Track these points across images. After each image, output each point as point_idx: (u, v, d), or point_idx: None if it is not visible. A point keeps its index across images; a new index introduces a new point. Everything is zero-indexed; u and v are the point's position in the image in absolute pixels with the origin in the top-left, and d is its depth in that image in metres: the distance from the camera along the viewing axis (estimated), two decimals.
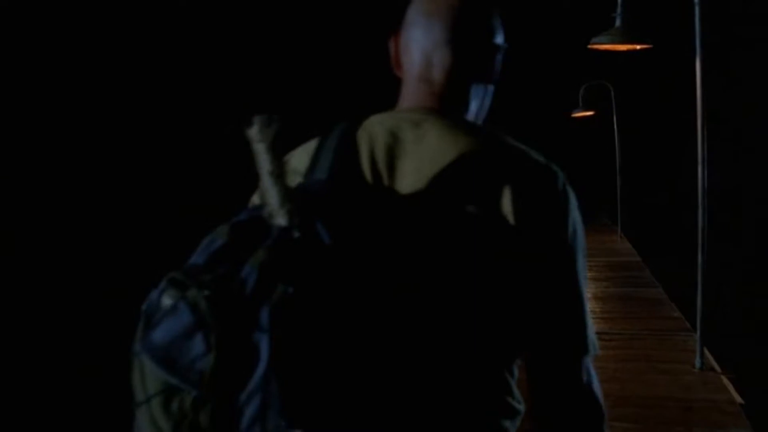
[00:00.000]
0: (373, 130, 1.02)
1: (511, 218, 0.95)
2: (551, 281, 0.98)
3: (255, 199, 1.11)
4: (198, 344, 0.79)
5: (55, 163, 6.43)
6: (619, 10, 4.07)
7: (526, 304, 0.97)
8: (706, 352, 4.22)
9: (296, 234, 0.82)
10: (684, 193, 4.89)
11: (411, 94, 1.09)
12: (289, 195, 0.85)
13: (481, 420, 0.98)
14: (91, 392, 4.79)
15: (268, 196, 0.85)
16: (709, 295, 4.00)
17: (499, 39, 1.09)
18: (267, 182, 0.86)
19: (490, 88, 1.12)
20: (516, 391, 1.02)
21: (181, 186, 6.73)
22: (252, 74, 6.69)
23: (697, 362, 4.09)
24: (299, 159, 1.04)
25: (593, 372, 1.00)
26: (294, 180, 0.97)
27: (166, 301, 0.85)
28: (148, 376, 0.84)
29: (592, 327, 1.01)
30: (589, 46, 4.39)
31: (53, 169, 6.43)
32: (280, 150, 0.88)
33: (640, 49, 4.45)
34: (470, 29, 1.06)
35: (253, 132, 0.90)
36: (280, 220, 0.84)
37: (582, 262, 1.01)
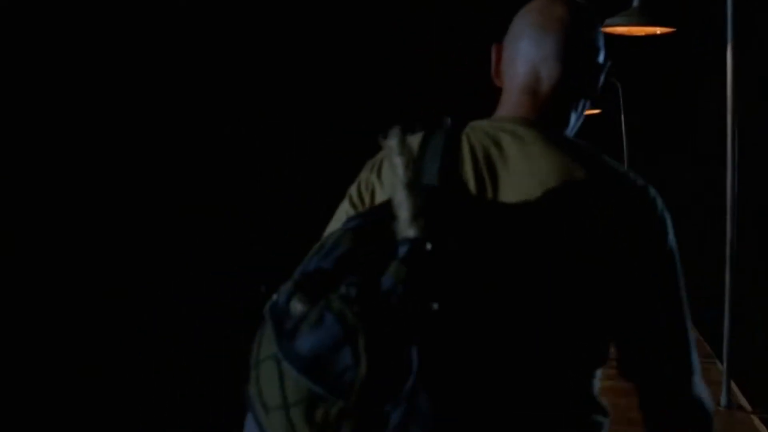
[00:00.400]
0: (477, 137, 1.05)
1: (614, 239, 1.00)
2: (654, 300, 1.03)
3: (346, 209, 1.11)
4: (346, 355, 0.82)
5: (55, 163, 6.43)
6: None
7: (627, 322, 1.03)
8: (734, 386, 3.56)
9: (428, 246, 0.86)
10: (706, 202, 4.35)
11: (513, 104, 1.11)
12: (421, 208, 0.88)
13: (573, 426, 1.03)
14: (91, 392, 4.79)
15: (401, 207, 0.89)
16: (738, 318, 3.38)
17: (602, 57, 1.12)
18: (402, 195, 0.89)
19: (587, 103, 1.15)
20: (603, 402, 1.07)
21: (181, 186, 6.74)
22: (252, 74, 6.69)
23: (723, 399, 3.39)
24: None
25: (702, 385, 1.05)
26: (390, 175, 0.98)
27: (298, 306, 0.86)
28: (289, 384, 0.85)
29: (694, 347, 1.07)
30: (603, 29, 4.13)
31: (53, 169, 6.42)
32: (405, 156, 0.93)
33: (661, 35, 3.90)
34: (579, 45, 1.10)
35: (392, 144, 0.93)
36: (412, 232, 0.87)
37: (682, 282, 1.05)
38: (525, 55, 1.10)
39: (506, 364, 0.95)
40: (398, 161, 0.91)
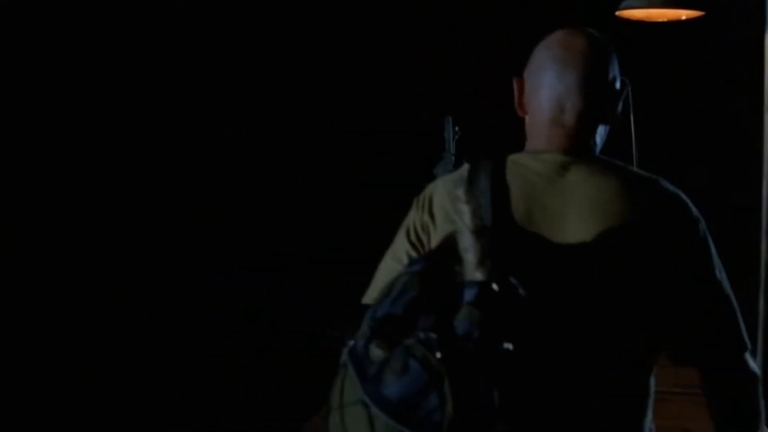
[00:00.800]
0: (521, 172, 1.13)
1: (660, 247, 1.10)
2: (708, 295, 1.16)
3: (407, 249, 1.16)
4: (433, 399, 0.87)
5: (55, 163, 6.42)
6: None
7: (684, 317, 1.15)
8: None
9: (495, 287, 0.91)
10: (732, 207, 4.04)
11: (544, 136, 1.20)
12: (487, 251, 0.94)
13: (631, 421, 1.13)
14: (91, 392, 4.79)
15: (467, 252, 0.95)
16: None
17: (619, 85, 1.22)
18: (468, 240, 0.96)
19: (608, 129, 1.26)
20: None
21: (181, 186, 6.73)
22: (252, 74, 6.69)
23: None
24: (443, 197, 1.14)
25: (752, 362, 1.17)
26: (441, 216, 1.10)
27: (377, 352, 0.93)
28: (379, 427, 0.90)
29: (743, 326, 1.20)
30: (618, 13, 3.29)
31: (52, 168, 6.42)
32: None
33: (686, 20, 3.22)
34: (599, 76, 1.18)
35: (460, 193, 1.00)
36: (479, 275, 0.93)
37: (725, 275, 1.18)
38: (549, 88, 1.18)
39: (574, 392, 1.02)
40: (465, 209, 0.98)
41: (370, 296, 1.18)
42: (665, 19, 3.31)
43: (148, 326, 5.65)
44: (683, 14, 3.14)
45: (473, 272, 0.95)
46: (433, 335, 0.90)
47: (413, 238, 1.19)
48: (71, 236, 6.57)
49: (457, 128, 4.89)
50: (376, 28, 7.25)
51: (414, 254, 1.15)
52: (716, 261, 1.19)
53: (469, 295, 0.92)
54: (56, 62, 6.57)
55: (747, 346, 1.18)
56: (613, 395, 1.07)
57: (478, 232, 0.96)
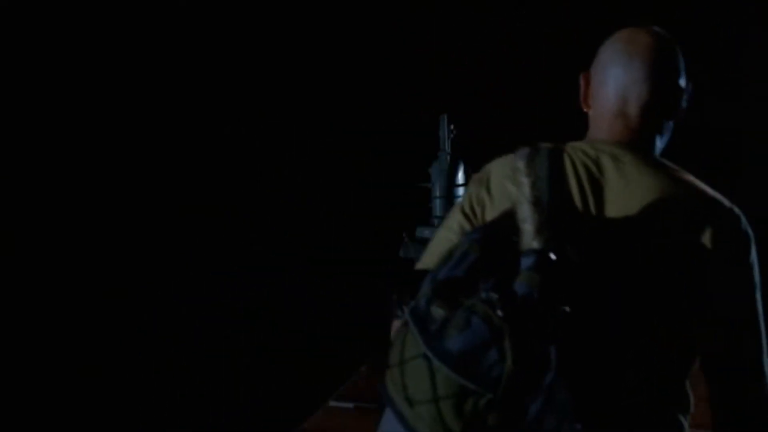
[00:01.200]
0: (578, 157, 1.17)
1: (703, 252, 1.12)
2: (736, 308, 1.15)
3: (460, 220, 1.23)
4: (493, 354, 0.93)
5: (54, 163, 6.42)
6: None
7: (717, 319, 1.16)
8: None
9: (552, 255, 0.99)
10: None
11: (606, 127, 1.22)
12: (544, 223, 1.02)
13: (666, 412, 1.17)
14: (91, 392, 4.79)
15: (525, 222, 1.03)
16: None
17: (684, 81, 1.22)
18: (527, 211, 1.03)
19: (672, 126, 1.25)
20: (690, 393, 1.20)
21: (181, 186, 6.73)
22: (252, 74, 6.69)
23: None
24: (501, 174, 1.19)
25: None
26: (498, 192, 1.17)
27: (439, 311, 0.98)
28: (440, 380, 0.95)
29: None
30: None
31: (52, 168, 6.42)
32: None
33: None
34: (663, 69, 1.18)
35: (521, 165, 1.05)
36: (536, 243, 1.01)
37: (759, 293, 1.18)
38: (615, 80, 1.19)
39: (618, 354, 1.09)
40: (525, 181, 1.04)
41: (425, 263, 1.20)
42: None
43: (148, 326, 5.65)
44: None
45: (531, 241, 1.03)
46: (495, 295, 0.96)
47: (467, 210, 1.23)
48: (71, 236, 6.58)
49: (452, 126, 4.83)
50: (377, 28, 7.26)
51: (467, 226, 1.20)
52: (755, 281, 1.19)
53: (527, 261, 1.00)
54: (56, 62, 6.57)
55: (764, 373, 1.18)
56: (647, 377, 1.14)
57: (536, 203, 1.03)
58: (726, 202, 1.18)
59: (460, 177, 5.25)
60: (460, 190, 5.29)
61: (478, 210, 1.22)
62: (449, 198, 5.25)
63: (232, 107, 6.83)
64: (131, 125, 6.65)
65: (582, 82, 1.30)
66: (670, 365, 1.17)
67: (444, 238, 1.21)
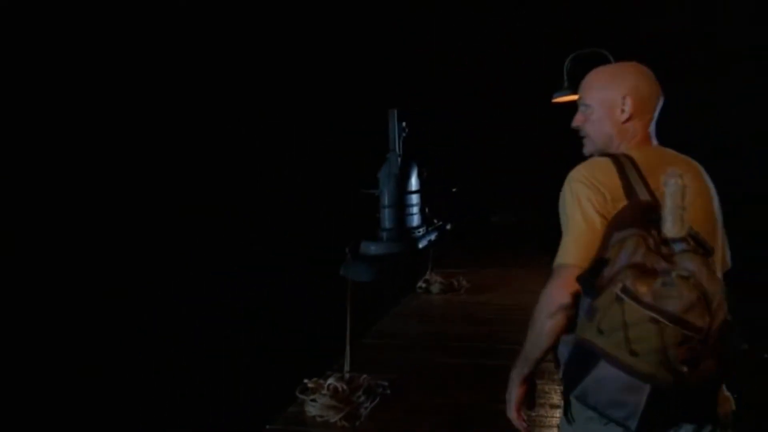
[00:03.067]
0: (646, 161, 1.64)
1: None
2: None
3: (599, 221, 1.59)
4: (701, 310, 1.41)
5: (55, 163, 6.42)
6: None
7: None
8: None
9: (688, 244, 1.44)
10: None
11: (635, 139, 1.73)
12: (683, 219, 1.46)
13: None
14: (90, 392, 4.79)
15: (669, 220, 1.46)
16: None
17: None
18: (673, 212, 1.46)
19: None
20: None
21: (181, 186, 6.73)
22: (252, 74, 6.68)
23: None
24: (607, 179, 1.62)
25: None
26: (606, 192, 1.60)
27: (642, 287, 1.42)
28: (668, 333, 1.39)
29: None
30: (553, 101, 4.73)
31: (53, 168, 6.42)
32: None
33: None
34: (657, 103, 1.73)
35: (672, 183, 1.46)
36: (677, 234, 1.45)
37: None
38: (647, 101, 1.71)
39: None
40: (676, 192, 1.47)
41: (579, 258, 1.57)
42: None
43: (148, 326, 5.66)
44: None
45: (674, 233, 1.45)
46: (684, 271, 1.40)
47: (599, 209, 1.60)
48: (71, 237, 6.57)
49: (404, 124, 4.26)
50: (377, 28, 7.24)
51: (603, 221, 1.57)
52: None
53: (680, 245, 1.44)
54: (56, 62, 6.57)
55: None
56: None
57: (680, 207, 1.46)
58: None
59: (414, 182, 4.46)
60: (414, 198, 4.50)
61: (606, 208, 1.59)
62: (400, 207, 4.38)
63: (232, 107, 6.83)
64: (131, 126, 6.65)
65: (621, 102, 1.74)
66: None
67: (588, 234, 1.58)
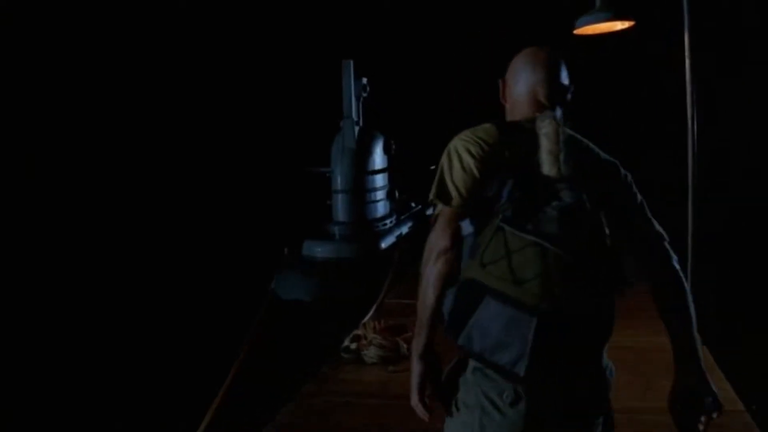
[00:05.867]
0: (523, 128, 1.67)
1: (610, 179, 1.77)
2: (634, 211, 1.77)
3: (477, 168, 1.64)
4: (576, 231, 1.52)
5: (55, 163, 6.41)
6: None
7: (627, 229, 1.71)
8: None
9: (566, 183, 1.54)
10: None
11: (524, 110, 1.78)
12: (559, 159, 1.55)
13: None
14: (90, 392, 4.79)
15: (546, 161, 1.56)
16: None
17: (568, 81, 1.81)
18: (550, 153, 1.56)
19: (562, 110, 1.80)
20: None
21: (183, 187, 6.72)
22: (250, 74, 6.68)
23: None
24: (487, 135, 1.66)
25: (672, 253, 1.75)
26: (484, 144, 1.63)
27: (522, 216, 1.50)
28: (549, 257, 1.44)
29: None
30: (575, 33, 4.09)
31: (50, 168, 6.41)
32: None
33: (621, 30, 4.07)
34: (555, 73, 1.79)
35: (547, 124, 1.58)
36: (554, 174, 1.55)
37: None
38: (525, 80, 1.79)
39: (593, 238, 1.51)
40: (549, 130, 1.56)
41: (456, 199, 1.57)
42: (604, 31, 4.01)
43: (148, 326, 5.65)
44: (618, 25, 3.93)
45: (549, 170, 1.53)
46: (562, 202, 1.47)
47: (477, 156, 1.61)
48: (71, 237, 6.57)
49: (365, 81, 3.18)
50: (376, 29, 7.22)
51: (482, 167, 1.59)
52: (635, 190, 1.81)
53: (559, 185, 1.52)
54: (56, 62, 6.57)
55: (666, 244, 1.76)
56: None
57: (554, 142, 1.56)
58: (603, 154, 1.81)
59: (378, 158, 3.24)
60: (379, 180, 3.28)
61: (482, 156, 1.60)
62: (358, 193, 3.18)
63: (229, 106, 6.83)
64: (131, 126, 6.65)
65: (501, 85, 1.86)
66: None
67: (465, 180, 1.59)
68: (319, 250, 3.20)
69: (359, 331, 4.16)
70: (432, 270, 1.54)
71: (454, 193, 1.59)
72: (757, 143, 6.25)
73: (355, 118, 3.17)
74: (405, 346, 3.99)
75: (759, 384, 3.84)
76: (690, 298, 1.71)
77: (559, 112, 1.76)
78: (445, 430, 1.69)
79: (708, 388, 1.65)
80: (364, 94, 3.24)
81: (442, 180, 1.62)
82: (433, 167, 1.83)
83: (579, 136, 1.74)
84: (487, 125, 1.68)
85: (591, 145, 1.77)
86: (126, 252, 6.08)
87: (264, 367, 3.60)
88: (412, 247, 3.85)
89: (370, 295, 4.35)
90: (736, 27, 6.24)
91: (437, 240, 1.56)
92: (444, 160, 1.66)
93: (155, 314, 5.56)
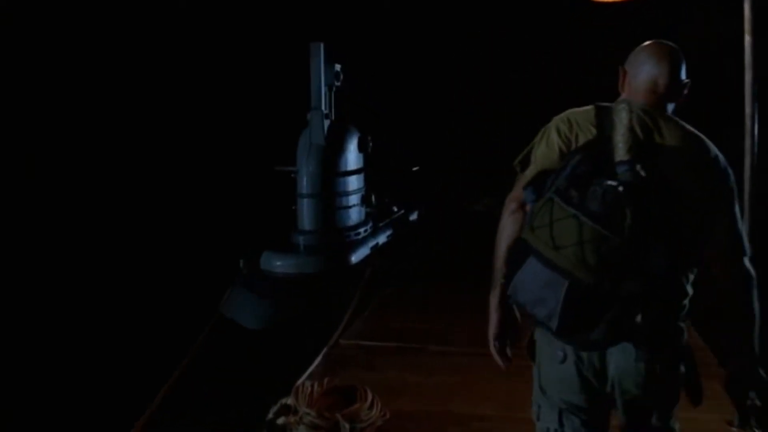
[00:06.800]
0: (634, 109, 1.75)
1: (712, 176, 1.80)
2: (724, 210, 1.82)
3: (557, 141, 1.79)
4: (621, 213, 1.54)
5: (55, 163, 6.42)
6: None
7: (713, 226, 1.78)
8: None
9: (638, 166, 1.60)
10: None
11: (639, 100, 1.84)
12: (632, 144, 1.64)
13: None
14: (89, 392, 4.79)
15: (618, 144, 1.63)
16: None
17: (685, 78, 1.90)
18: (623, 136, 1.65)
19: (675, 106, 1.90)
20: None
21: (182, 186, 6.72)
22: (248, 73, 6.69)
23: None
24: (582, 117, 1.80)
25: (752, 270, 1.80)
26: (575, 124, 1.78)
27: (573, 193, 1.58)
28: (586, 230, 1.50)
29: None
30: None
31: (53, 169, 6.42)
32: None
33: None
34: (676, 68, 1.88)
35: (622, 108, 1.72)
36: (627, 157, 1.62)
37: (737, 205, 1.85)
38: (647, 72, 1.88)
39: (668, 237, 1.58)
40: (624, 115, 1.68)
41: (530, 174, 1.74)
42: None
43: (148, 326, 5.65)
44: None
45: (624, 155, 1.61)
46: (614, 181, 1.53)
47: (563, 137, 1.76)
48: (71, 237, 6.57)
49: (338, 68, 2.71)
50: (375, 29, 7.22)
51: (565, 145, 1.75)
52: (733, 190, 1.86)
53: (623, 167, 1.58)
54: (56, 62, 6.56)
55: (746, 254, 1.79)
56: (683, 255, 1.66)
57: (629, 129, 1.65)
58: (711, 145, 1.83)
59: (351, 157, 2.86)
60: (352, 182, 2.92)
61: (572, 139, 1.75)
62: (326, 197, 2.79)
63: (226, 105, 6.82)
64: (131, 126, 6.65)
65: (621, 73, 1.93)
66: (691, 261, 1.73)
67: (547, 155, 1.75)
68: (278, 264, 2.83)
69: (289, 400, 3.07)
70: (503, 225, 1.81)
71: (531, 164, 1.80)
72: None
73: (326, 111, 2.81)
74: (347, 426, 2.80)
75: None
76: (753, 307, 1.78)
77: (671, 106, 1.88)
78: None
79: (759, 378, 1.79)
80: (337, 83, 2.86)
81: (529, 150, 1.84)
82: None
83: (684, 129, 1.80)
84: (589, 107, 1.83)
85: (699, 140, 1.81)
86: (72, 252, 5.97)
87: (195, 392, 3.12)
88: (389, 262, 3.14)
89: (322, 333, 3.38)
90: None
91: (509, 201, 1.82)
92: (540, 132, 1.86)
93: (98, 317, 5.45)
